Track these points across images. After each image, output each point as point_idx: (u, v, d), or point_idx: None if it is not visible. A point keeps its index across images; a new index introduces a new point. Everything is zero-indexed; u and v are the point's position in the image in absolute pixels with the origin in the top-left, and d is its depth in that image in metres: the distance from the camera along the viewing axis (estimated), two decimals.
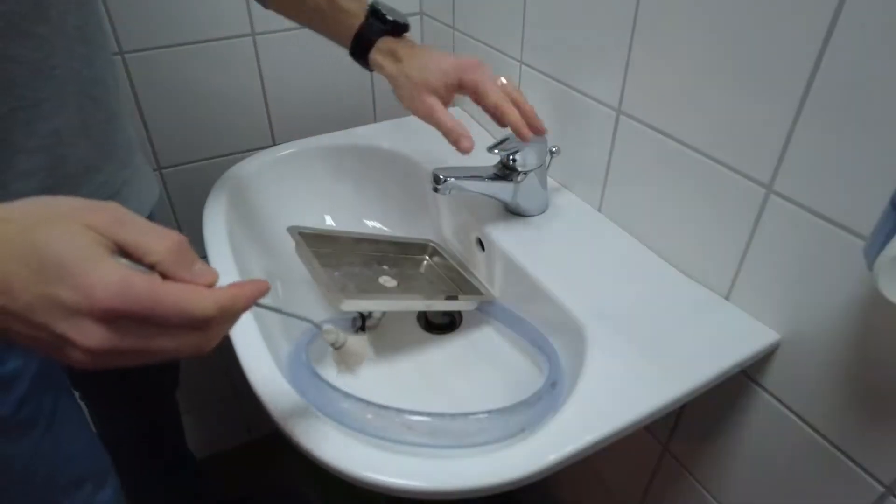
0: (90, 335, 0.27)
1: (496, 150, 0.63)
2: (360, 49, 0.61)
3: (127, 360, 0.29)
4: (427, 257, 0.75)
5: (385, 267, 0.70)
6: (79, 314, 0.26)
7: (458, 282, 0.70)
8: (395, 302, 0.60)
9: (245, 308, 0.32)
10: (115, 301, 0.26)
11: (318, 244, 0.65)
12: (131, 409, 0.88)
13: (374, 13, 0.60)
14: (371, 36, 0.60)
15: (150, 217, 0.50)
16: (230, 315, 0.31)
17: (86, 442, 0.65)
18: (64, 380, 0.63)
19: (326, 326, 0.45)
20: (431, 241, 0.76)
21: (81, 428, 0.65)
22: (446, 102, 0.59)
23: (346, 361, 0.47)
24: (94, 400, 0.87)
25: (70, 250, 0.27)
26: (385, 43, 0.60)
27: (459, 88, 0.59)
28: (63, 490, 0.61)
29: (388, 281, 0.67)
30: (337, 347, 0.46)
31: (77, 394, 0.84)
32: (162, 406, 0.93)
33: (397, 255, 0.73)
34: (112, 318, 0.27)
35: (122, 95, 0.60)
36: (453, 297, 0.63)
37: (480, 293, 0.66)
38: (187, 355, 0.30)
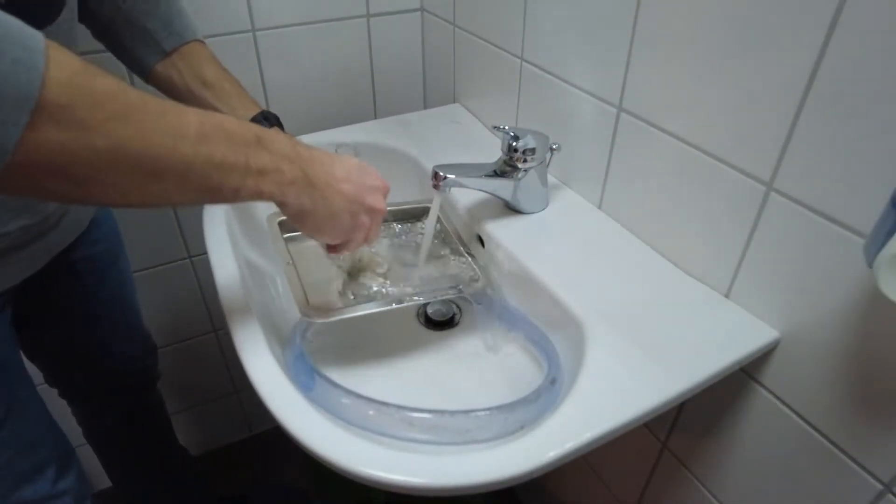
0: (381, 201, 0.54)
1: (498, 128, 0.66)
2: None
3: (375, 226, 0.55)
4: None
5: (383, 240, 0.69)
6: (377, 189, 0.54)
7: (455, 250, 0.69)
8: (365, 305, 0.60)
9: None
10: (387, 186, 0.55)
11: None
12: (109, 404, 0.88)
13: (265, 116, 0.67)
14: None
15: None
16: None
17: (47, 429, 0.67)
18: (19, 372, 0.64)
19: None
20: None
21: (42, 416, 0.66)
22: None
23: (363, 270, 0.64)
24: (73, 398, 0.88)
25: (369, 167, 0.54)
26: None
27: None
28: (25, 476, 0.63)
29: (379, 266, 0.66)
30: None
31: (56, 391, 0.85)
32: (142, 400, 0.93)
33: (400, 222, 0.72)
34: (385, 192, 0.55)
35: None
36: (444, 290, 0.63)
37: (473, 280, 0.65)
38: (376, 233, 0.56)
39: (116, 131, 0.34)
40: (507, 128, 0.65)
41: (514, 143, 0.65)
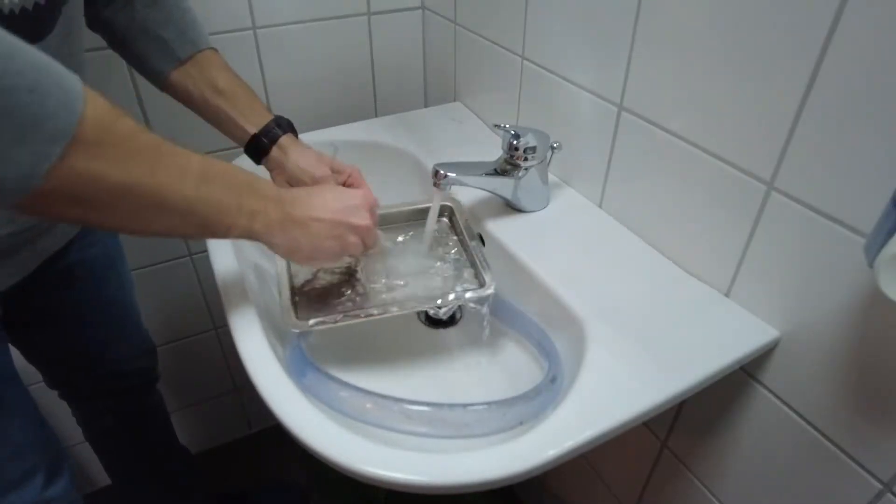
0: (365, 217, 0.56)
1: (499, 126, 0.66)
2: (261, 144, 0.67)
3: (369, 237, 0.57)
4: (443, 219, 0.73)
5: (386, 244, 0.69)
6: (360, 207, 0.56)
7: (461, 260, 0.68)
8: (357, 316, 0.59)
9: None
10: (371, 200, 0.59)
11: None
12: (109, 405, 0.88)
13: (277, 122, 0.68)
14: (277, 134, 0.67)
15: None
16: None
17: (36, 433, 0.66)
18: (8, 374, 0.63)
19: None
20: (445, 203, 0.72)
21: (31, 420, 0.66)
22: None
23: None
24: (73, 400, 0.88)
25: (352, 191, 0.58)
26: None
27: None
28: (12, 482, 0.62)
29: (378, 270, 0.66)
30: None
31: (57, 393, 0.85)
32: (142, 401, 0.93)
33: (404, 225, 0.72)
34: (369, 208, 0.57)
35: None
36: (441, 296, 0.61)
37: (478, 281, 0.63)
38: (372, 241, 0.59)
39: (131, 168, 0.39)
40: (507, 126, 0.65)
41: (514, 142, 0.65)
